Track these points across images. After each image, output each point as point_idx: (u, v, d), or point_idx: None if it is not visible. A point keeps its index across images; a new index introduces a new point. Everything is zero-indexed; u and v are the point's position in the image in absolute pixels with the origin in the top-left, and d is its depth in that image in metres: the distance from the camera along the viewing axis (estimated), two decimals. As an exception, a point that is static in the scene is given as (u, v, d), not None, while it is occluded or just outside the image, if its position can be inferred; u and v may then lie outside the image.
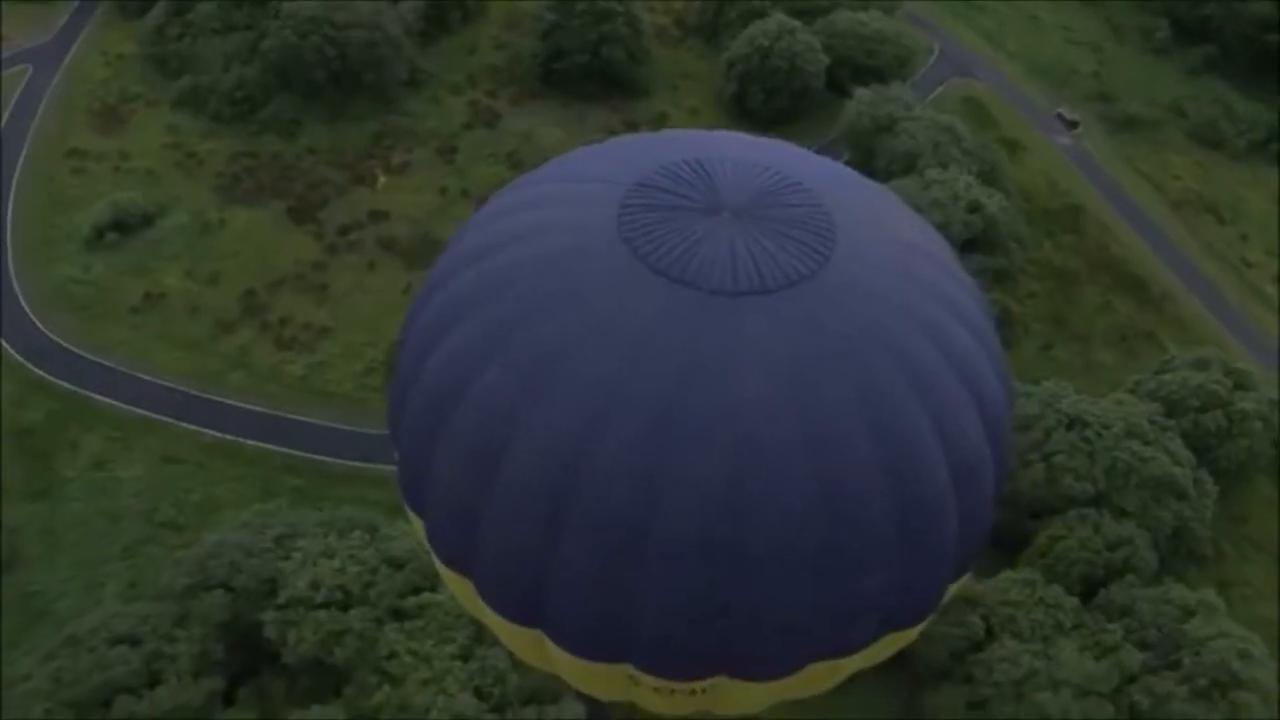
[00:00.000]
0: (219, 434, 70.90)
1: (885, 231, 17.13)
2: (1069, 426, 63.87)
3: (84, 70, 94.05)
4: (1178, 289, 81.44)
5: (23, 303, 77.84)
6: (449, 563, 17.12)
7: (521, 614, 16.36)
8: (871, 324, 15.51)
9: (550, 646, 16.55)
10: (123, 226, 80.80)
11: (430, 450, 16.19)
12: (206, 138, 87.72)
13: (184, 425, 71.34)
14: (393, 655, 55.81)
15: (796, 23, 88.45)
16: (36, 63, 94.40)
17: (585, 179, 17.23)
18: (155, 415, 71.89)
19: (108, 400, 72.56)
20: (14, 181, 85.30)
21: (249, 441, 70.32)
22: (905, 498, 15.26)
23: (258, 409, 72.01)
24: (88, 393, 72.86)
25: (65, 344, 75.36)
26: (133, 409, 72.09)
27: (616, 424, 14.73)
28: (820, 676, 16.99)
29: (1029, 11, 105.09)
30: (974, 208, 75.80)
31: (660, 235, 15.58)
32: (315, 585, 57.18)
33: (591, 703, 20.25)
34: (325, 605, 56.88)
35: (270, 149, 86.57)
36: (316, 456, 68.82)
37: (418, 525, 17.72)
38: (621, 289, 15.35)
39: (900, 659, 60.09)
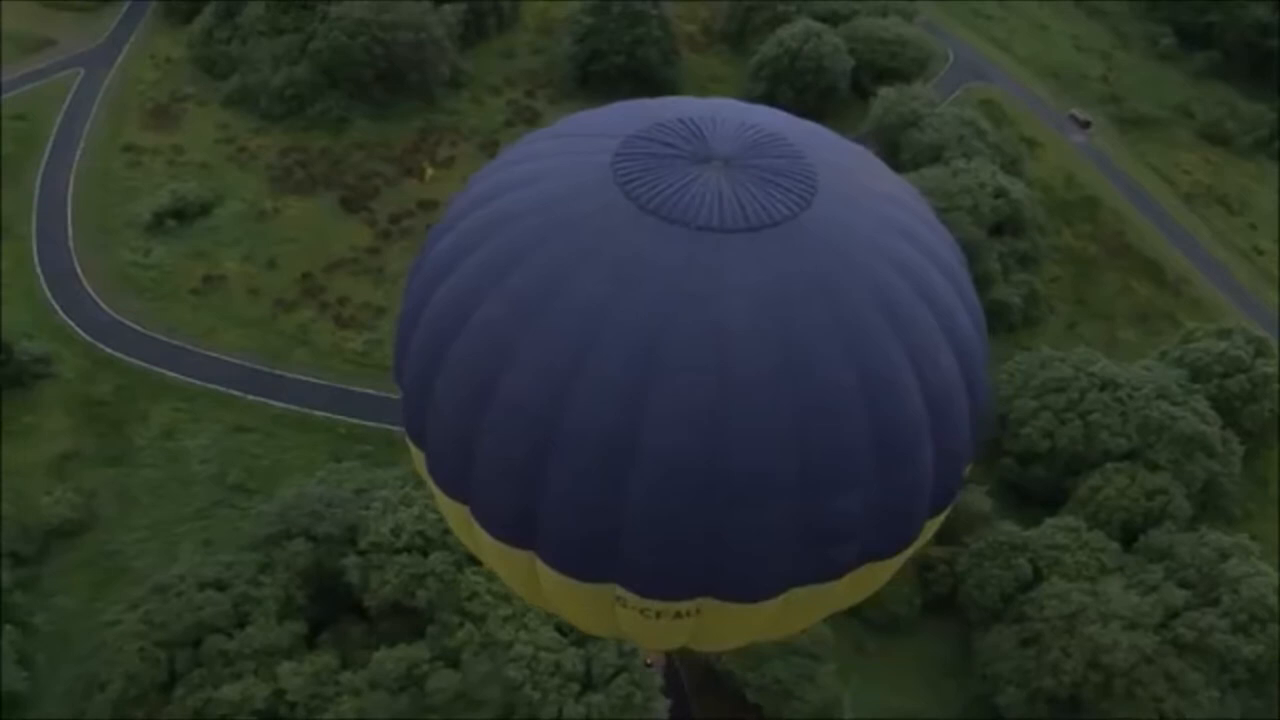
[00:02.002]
0: (285, 405, 73.60)
1: (864, 183, 18.03)
2: (1102, 388, 67.41)
3: (134, 72, 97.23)
4: (1193, 273, 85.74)
5: (86, 285, 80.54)
6: (447, 490, 17.80)
7: (514, 535, 16.98)
8: (848, 261, 16.32)
9: (540, 569, 17.09)
10: (181, 214, 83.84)
11: (431, 381, 17.02)
12: (257, 133, 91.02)
13: (249, 397, 74.04)
14: (473, 596, 58.24)
15: (823, 26, 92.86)
16: (87, 66, 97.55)
17: (584, 134, 18.33)
18: (221, 388, 74.59)
19: (174, 374, 75.17)
20: (71, 174, 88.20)
21: (315, 412, 73.05)
22: (881, 422, 15.90)
23: (321, 382, 74.77)
24: (154, 367, 75.47)
25: (129, 323, 78.03)
26: (198, 382, 74.79)
27: (606, 348, 15.47)
28: (802, 606, 17.41)
29: (1038, 20, 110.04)
30: (999, 194, 79.95)
31: (651, 179, 16.44)
32: (396, 531, 59.68)
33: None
34: (406, 550, 59.35)
35: (320, 144, 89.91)
36: (383, 425, 71.41)
37: (419, 459, 18.47)
38: (613, 225, 16.14)
39: (951, 604, 63.26)
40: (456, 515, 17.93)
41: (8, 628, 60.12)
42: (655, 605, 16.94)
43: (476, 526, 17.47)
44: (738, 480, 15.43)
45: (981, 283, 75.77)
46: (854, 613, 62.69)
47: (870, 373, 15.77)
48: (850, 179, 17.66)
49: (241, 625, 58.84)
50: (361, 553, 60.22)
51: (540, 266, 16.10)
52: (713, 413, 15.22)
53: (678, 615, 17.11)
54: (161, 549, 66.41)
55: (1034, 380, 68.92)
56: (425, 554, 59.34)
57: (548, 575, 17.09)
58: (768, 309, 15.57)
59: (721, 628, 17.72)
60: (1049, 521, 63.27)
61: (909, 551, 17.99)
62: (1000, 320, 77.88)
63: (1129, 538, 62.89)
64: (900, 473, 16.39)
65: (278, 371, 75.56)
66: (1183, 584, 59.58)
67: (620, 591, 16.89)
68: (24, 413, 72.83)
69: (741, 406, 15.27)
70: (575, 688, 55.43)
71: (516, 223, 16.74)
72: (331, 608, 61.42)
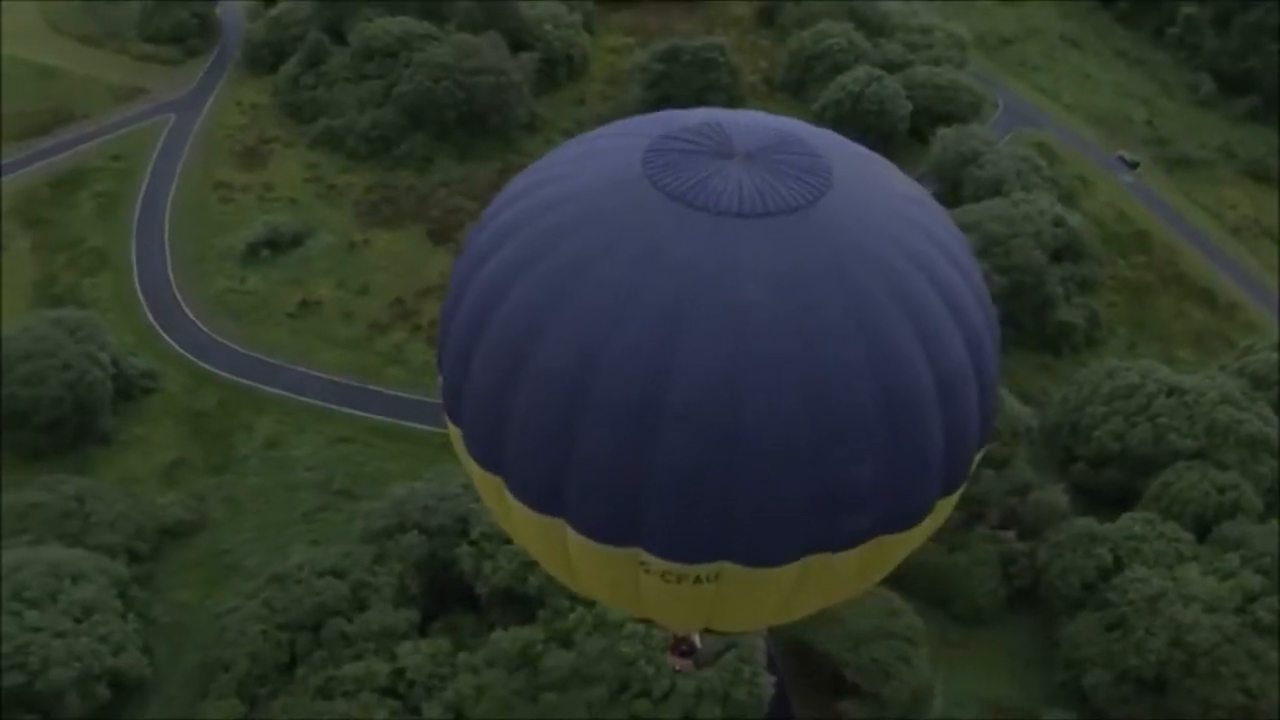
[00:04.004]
0: (383, 418, 77.01)
1: (878, 181, 19.10)
2: (1168, 394, 70.67)
3: (222, 118, 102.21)
4: (1244, 299, 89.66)
5: (186, 310, 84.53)
6: (483, 463, 18.51)
7: (545, 502, 17.74)
8: (861, 247, 17.21)
9: (570, 536, 17.87)
10: (274, 245, 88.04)
11: (469, 360, 18.01)
12: (344, 172, 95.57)
13: (348, 411, 77.59)
14: (582, 580, 60.92)
15: (882, 72, 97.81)
16: (178, 113, 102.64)
17: (619, 135, 19.51)
18: (320, 402, 78.16)
19: (274, 390, 78.88)
20: (167, 209, 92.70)
21: (412, 424, 76.31)
22: (890, 396, 16.65)
23: (417, 398, 78.04)
24: (255, 384, 79.19)
25: (229, 343, 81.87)
26: (299, 397, 78.48)
27: (630, 322, 16.41)
28: (817, 578, 18.11)
29: (1082, 70, 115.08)
30: (1059, 223, 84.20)
31: (677, 171, 17.57)
32: (508, 521, 62.48)
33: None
34: (516, 539, 62.15)
35: (405, 182, 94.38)
36: (479, 435, 74.41)
37: (457, 437, 19.35)
38: (639, 211, 17.24)
39: (1033, 597, 65.89)
40: (491, 488, 18.75)
41: (130, 617, 63.02)
42: (676, 569, 17.63)
43: (510, 497, 18.30)
44: (753, 446, 16.31)
45: (1046, 304, 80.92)
46: (940, 606, 66.07)
47: (880, 349, 16.63)
48: (865, 176, 18.83)
49: (360, 610, 61.70)
50: (473, 543, 63.12)
51: (573, 249, 17.19)
52: (730, 382, 16.16)
53: (698, 580, 17.76)
54: (271, 548, 68.98)
55: (1103, 389, 72.20)
56: (535, 543, 62.02)
57: (576, 542, 17.91)
58: (783, 287, 16.54)
59: (740, 598, 18.39)
60: (1126, 515, 66.07)
61: (921, 530, 18.70)
62: (1065, 340, 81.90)
63: (1202, 530, 65.50)
64: (909, 447, 17.17)
65: (374, 388, 79.07)
66: (1258, 571, 62.16)
67: (644, 556, 17.62)
68: (133, 424, 76.51)
69: (757, 377, 16.20)
70: (686, 662, 57.98)
71: (552, 212, 17.91)
72: (442, 599, 64.10)
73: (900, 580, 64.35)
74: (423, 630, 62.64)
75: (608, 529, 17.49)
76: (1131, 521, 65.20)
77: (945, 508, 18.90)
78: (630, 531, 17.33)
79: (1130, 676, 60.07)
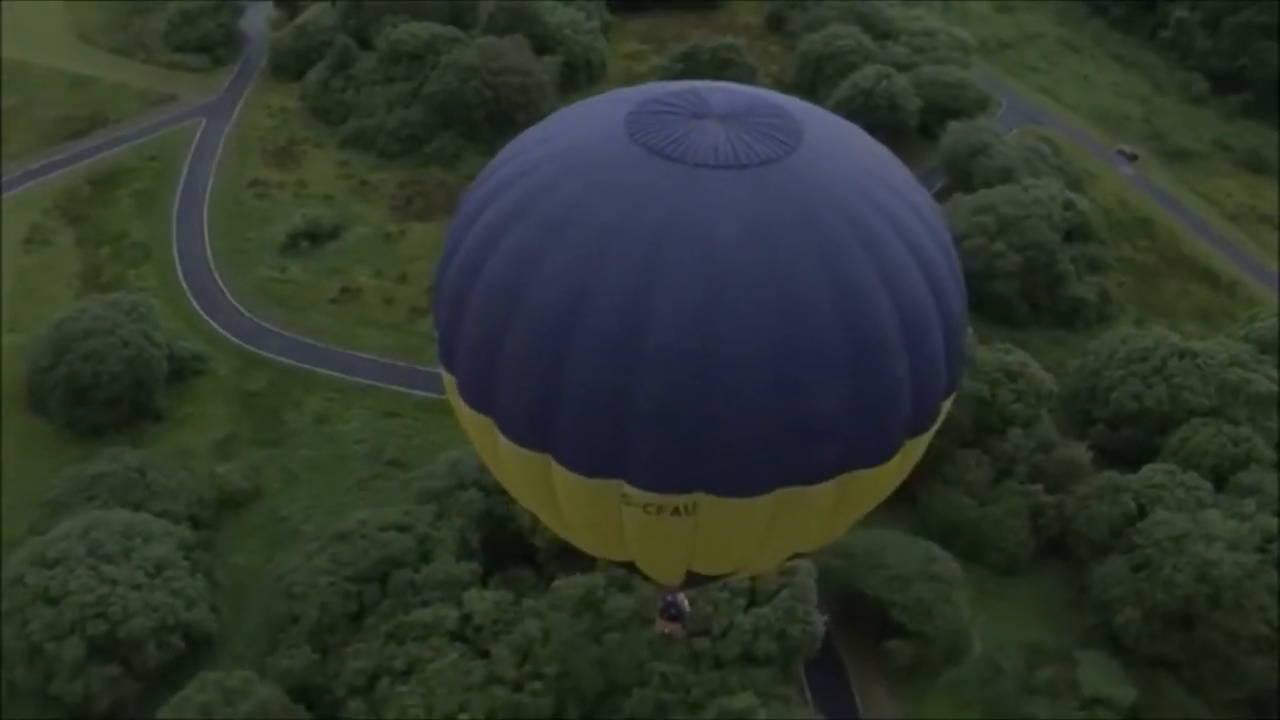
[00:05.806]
0: (428, 394, 79.68)
1: (847, 142, 20.52)
2: (1181, 357, 74.53)
3: (252, 120, 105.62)
4: (1245, 279, 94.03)
5: (229, 297, 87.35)
6: (475, 405, 19.70)
7: (532, 437, 18.90)
8: (827, 194, 18.51)
9: (554, 471, 18.99)
10: (313, 236, 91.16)
11: (463, 306, 19.26)
12: (376, 170, 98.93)
13: (395, 388, 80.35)
14: (639, 533, 63.74)
15: (892, 69, 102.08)
16: (209, 116, 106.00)
17: (604, 102, 20.95)
18: (367, 380, 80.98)
19: (322, 370, 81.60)
20: (205, 205, 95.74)
21: (460, 400, 79.11)
22: (853, 330, 17.84)
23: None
24: (301, 364, 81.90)
25: (274, 328, 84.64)
26: (346, 376, 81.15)
27: (614, 262, 17.69)
28: (791, 514, 19.17)
29: (1079, 72, 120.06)
30: (1068, 206, 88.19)
31: (657, 129, 18.96)
32: (564, 478, 65.27)
33: None
34: (571, 493, 64.91)
35: (436, 178, 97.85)
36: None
37: (450, 385, 20.58)
38: (622, 164, 18.64)
39: (1061, 547, 69.11)
40: (482, 431, 19.84)
41: (198, 576, 65.41)
42: (656, 499, 18.64)
43: (500, 437, 19.46)
44: (726, 379, 17.42)
45: (1059, 281, 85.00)
46: (975, 558, 69.04)
47: (844, 288, 17.82)
48: (835, 136, 20.27)
49: (425, 561, 64.09)
50: (539, 498, 65.63)
51: (560, 200, 18.56)
52: (704, 316, 17.34)
53: (676, 511, 18.81)
54: (328, 514, 71.02)
55: (1118, 354, 75.95)
56: (589, 498, 64.80)
57: (561, 477, 19.06)
58: (752, 229, 17.74)
59: (717, 532, 19.37)
60: (1147, 466, 69.49)
61: (890, 469, 19.73)
62: (1078, 316, 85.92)
63: (1219, 481, 68.90)
64: (873, 382, 18.21)
65: (418, 367, 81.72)
66: (1275, 515, 65.55)
67: (625, 488, 18.71)
68: (185, 403, 79.02)
69: (728, 311, 17.36)
70: (742, 602, 60.99)
71: (540, 169, 19.29)
72: (500, 555, 66.62)
73: (935, 534, 67.96)
74: (483, 583, 65.21)
75: (591, 461, 18.66)
76: (1153, 472, 68.61)
77: (914, 450, 20.06)
78: (612, 463, 18.52)
79: (1158, 613, 62.98)
